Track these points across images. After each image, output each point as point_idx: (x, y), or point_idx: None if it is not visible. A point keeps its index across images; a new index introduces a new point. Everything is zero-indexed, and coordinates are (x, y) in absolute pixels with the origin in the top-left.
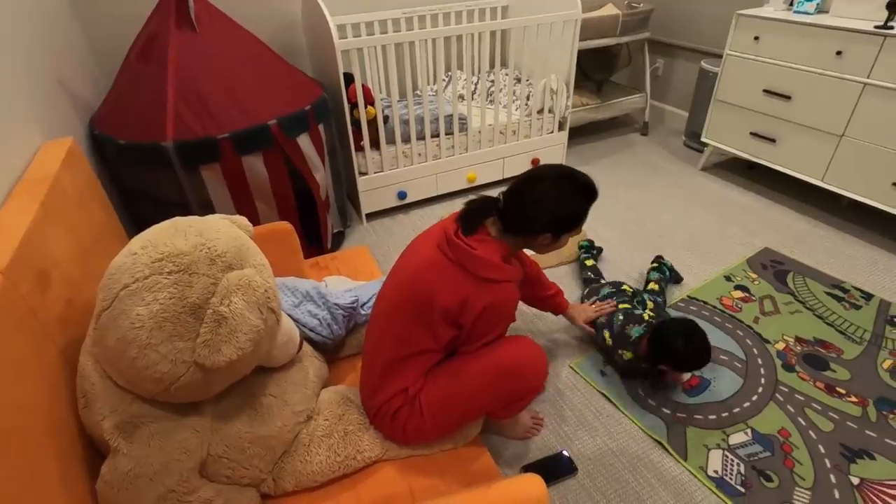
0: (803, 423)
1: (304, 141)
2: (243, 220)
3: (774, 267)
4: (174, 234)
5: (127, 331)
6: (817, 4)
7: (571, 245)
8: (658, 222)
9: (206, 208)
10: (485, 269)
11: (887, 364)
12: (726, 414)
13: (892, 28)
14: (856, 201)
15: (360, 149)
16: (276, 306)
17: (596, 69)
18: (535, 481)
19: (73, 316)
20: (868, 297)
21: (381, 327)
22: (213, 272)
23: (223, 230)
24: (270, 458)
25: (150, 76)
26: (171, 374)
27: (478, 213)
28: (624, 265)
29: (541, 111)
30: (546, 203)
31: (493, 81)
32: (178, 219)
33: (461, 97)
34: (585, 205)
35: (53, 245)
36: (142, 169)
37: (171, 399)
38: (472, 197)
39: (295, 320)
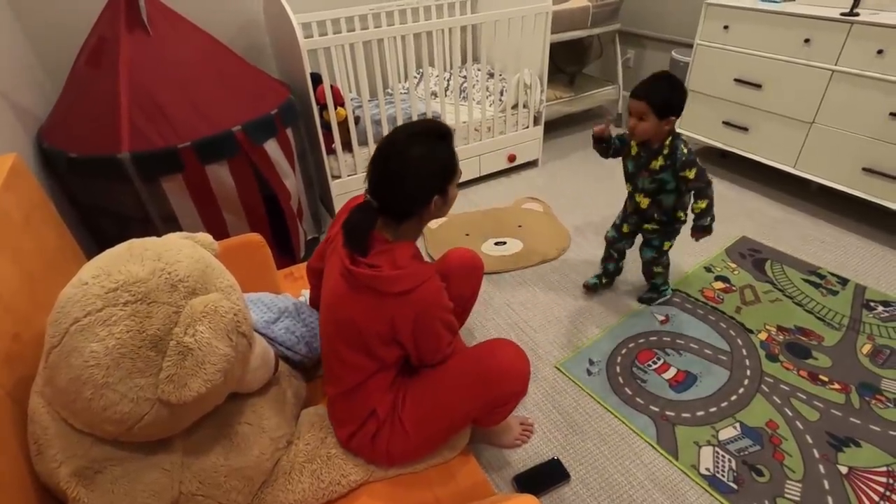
0: (790, 413)
1: (271, 146)
2: (207, 237)
3: (753, 255)
4: (129, 259)
5: (80, 370)
6: None
7: (566, 236)
8: None
9: (169, 221)
10: (397, 284)
11: (866, 349)
12: (714, 409)
13: (857, 14)
14: (825, 186)
15: (331, 151)
16: (247, 330)
17: (568, 62)
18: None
19: (20, 352)
20: (844, 282)
21: (329, 357)
22: (175, 299)
23: (184, 251)
24: (249, 491)
25: (101, 83)
26: (133, 414)
27: (359, 229)
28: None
29: (515, 106)
30: (414, 170)
31: (465, 77)
32: (133, 241)
33: (434, 94)
34: (448, 146)
35: None
36: (97, 183)
37: (135, 439)
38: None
39: (271, 339)
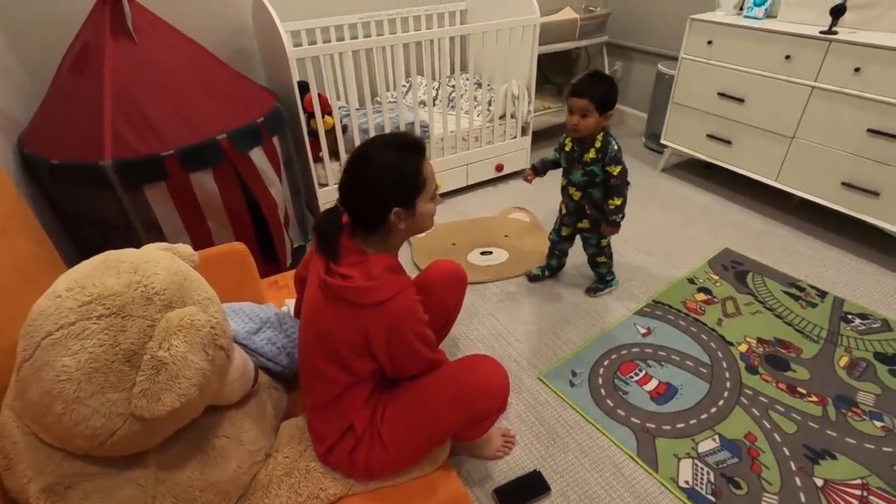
0: (768, 425)
1: (257, 155)
2: (187, 249)
3: (735, 267)
4: (104, 271)
5: (52, 384)
6: (766, 10)
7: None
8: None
9: (152, 229)
10: (368, 295)
11: (843, 362)
12: (694, 421)
13: (836, 33)
14: (806, 200)
15: (318, 160)
16: (225, 343)
17: (556, 73)
18: None
19: None
20: (823, 294)
21: (305, 368)
22: (150, 313)
23: (162, 264)
24: None
25: (85, 90)
26: (105, 429)
27: (328, 233)
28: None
29: (503, 116)
30: (375, 180)
31: (453, 87)
32: (109, 253)
33: (422, 103)
34: (416, 158)
35: None
36: (79, 190)
37: (108, 453)
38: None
39: (253, 350)
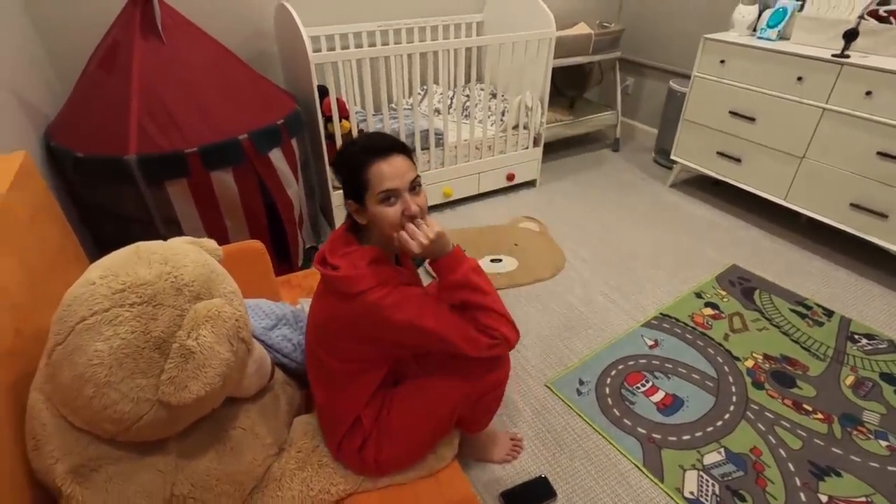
0: (773, 441)
1: (276, 156)
2: (211, 243)
3: (742, 284)
4: (137, 261)
5: (84, 368)
6: (779, 32)
7: (561, 257)
8: (629, 238)
9: (171, 225)
10: (352, 285)
11: (849, 380)
12: (700, 433)
13: (848, 57)
14: (814, 219)
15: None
16: (246, 336)
17: (569, 86)
18: None
19: (21, 347)
20: (829, 313)
21: (311, 365)
22: (180, 303)
23: (190, 256)
24: (240, 496)
25: (113, 86)
26: (133, 414)
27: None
28: (596, 279)
29: (516, 127)
30: (336, 166)
31: (468, 96)
32: (140, 244)
33: (437, 111)
34: (367, 157)
35: (0, 273)
36: (101, 183)
37: (132, 438)
38: None
39: (269, 346)
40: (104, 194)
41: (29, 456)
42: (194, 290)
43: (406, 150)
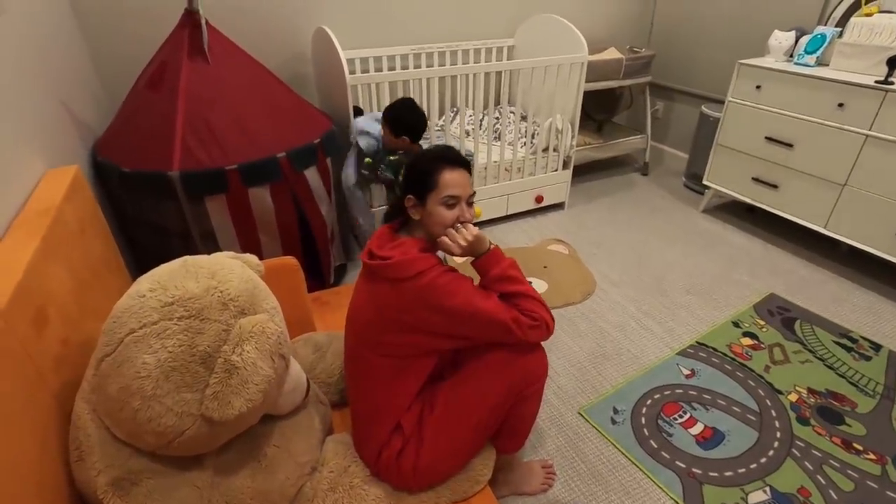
0: (823, 481)
1: (311, 174)
2: (253, 258)
3: (781, 314)
4: (185, 275)
5: (131, 380)
6: (817, 58)
7: (591, 281)
8: (660, 263)
9: (208, 239)
10: (405, 268)
11: None
12: (743, 470)
13: (892, 83)
14: (855, 248)
15: None
16: (287, 352)
17: (598, 110)
18: None
19: (68, 356)
20: (877, 347)
21: (352, 373)
22: (226, 318)
23: (236, 271)
24: None
25: (160, 105)
26: (176, 428)
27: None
28: (628, 305)
29: (546, 149)
30: (408, 168)
31: (498, 118)
32: (188, 258)
33: (468, 133)
34: (441, 163)
35: (52, 281)
36: (144, 197)
37: (172, 453)
38: None
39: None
40: (145, 208)
41: (72, 466)
42: (239, 305)
43: (470, 169)
